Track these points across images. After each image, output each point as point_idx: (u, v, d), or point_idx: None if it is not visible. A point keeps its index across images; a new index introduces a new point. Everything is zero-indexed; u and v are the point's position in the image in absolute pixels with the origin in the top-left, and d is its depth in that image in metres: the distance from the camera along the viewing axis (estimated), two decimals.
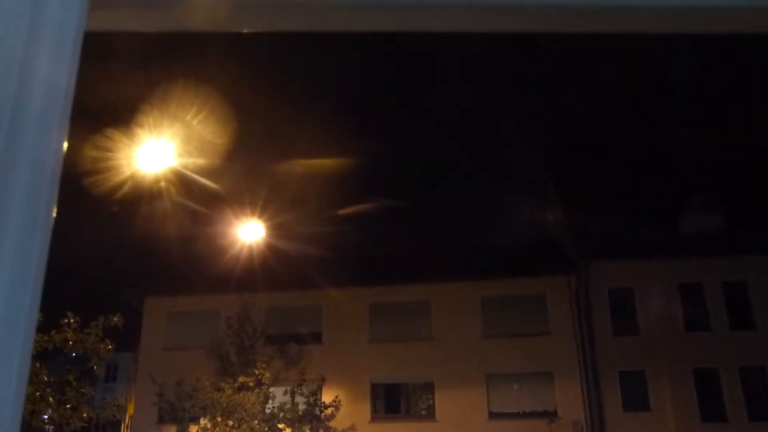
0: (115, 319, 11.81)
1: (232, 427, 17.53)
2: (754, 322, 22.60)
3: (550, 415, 21.68)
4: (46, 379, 11.22)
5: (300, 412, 19.00)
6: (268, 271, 19.62)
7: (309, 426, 19.07)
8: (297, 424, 18.73)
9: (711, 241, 23.13)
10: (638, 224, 23.08)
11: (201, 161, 11.58)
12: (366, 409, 22.58)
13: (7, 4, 0.85)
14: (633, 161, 25.34)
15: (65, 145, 0.92)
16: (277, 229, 16.98)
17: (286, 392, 19.62)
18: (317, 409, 19.58)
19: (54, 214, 0.86)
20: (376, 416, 22.81)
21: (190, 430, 18.08)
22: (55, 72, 0.91)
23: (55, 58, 0.90)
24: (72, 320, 11.36)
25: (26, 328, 0.77)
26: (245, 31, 0.98)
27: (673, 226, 24.39)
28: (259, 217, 15.39)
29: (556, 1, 0.90)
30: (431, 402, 22.85)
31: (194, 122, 10.93)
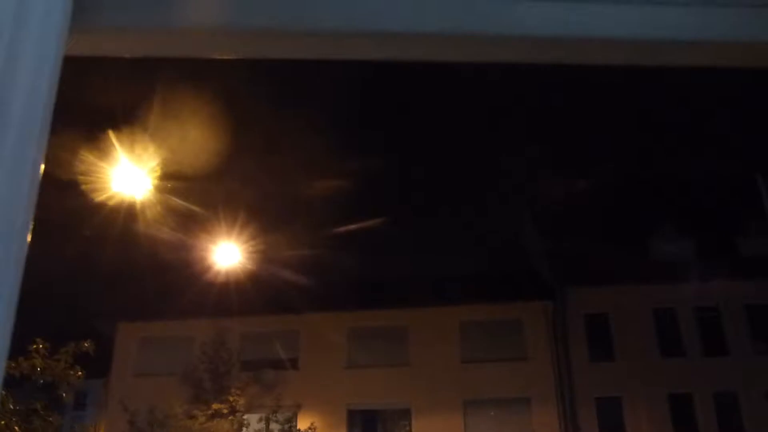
0: (86, 345, 11.54)
1: None
2: (727, 349, 22.91)
3: None
4: (11, 407, 10.86)
5: None
6: (244, 295, 19.38)
7: None
8: None
9: (684, 267, 23.48)
10: (614, 250, 23.38)
11: (176, 184, 11.49)
12: None
13: None
14: (609, 187, 25.75)
15: (41, 171, 0.91)
16: (253, 253, 16.82)
17: (261, 419, 19.26)
18: None
19: (28, 240, 0.85)
20: None
21: None
22: (32, 97, 0.90)
23: (33, 83, 0.90)
24: (41, 346, 11.07)
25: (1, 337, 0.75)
26: (223, 57, 0.99)
27: (648, 251, 24.75)
28: (235, 240, 15.26)
29: (549, 34, 0.93)
30: (408, 428, 22.60)
31: (170, 145, 10.87)
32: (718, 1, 1.00)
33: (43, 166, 0.92)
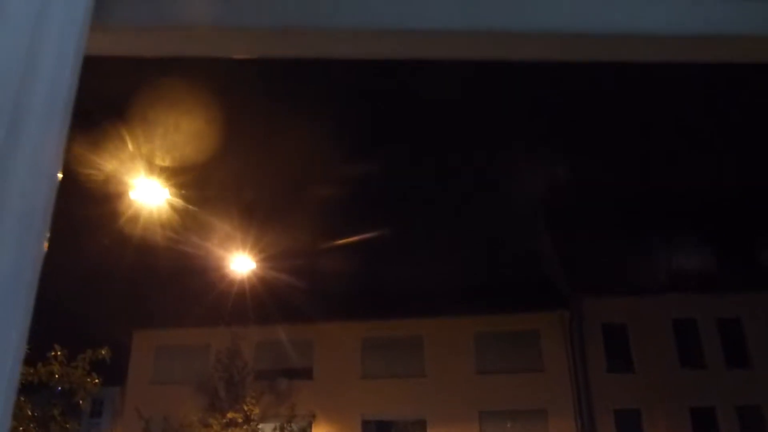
0: (103, 352, 11.61)
1: None
2: (750, 360, 22.46)
3: None
4: (30, 413, 10.95)
5: None
6: (258, 304, 19.42)
7: None
8: None
9: (705, 277, 23.14)
10: (632, 259, 23.10)
11: (193, 193, 11.57)
12: None
13: (7, 25, 0.84)
14: (627, 196, 25.50)
15: (60, 172, 0.89)
16: (267, 262, 16.88)
17: (275, 429, 19.23)
18: None
19: (46, 247, 0.83)
20: None
21: None
22: (52, 96, 0.89)
23: (54, 82, 0.89)
24: (59, 353, 11.16)
25: (17, 340, 0.74)
26: (244, 57, 0.98)
27: (667, 261, 24.44)
28: (250, 249, 15.33)
29: (574, 30, 0.90)
30: None
31: (186, 154, 10.95)
32: None
33: (60, 173, 0.90)
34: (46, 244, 0.84)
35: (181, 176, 10.72)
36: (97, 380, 11.51)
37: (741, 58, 0.97)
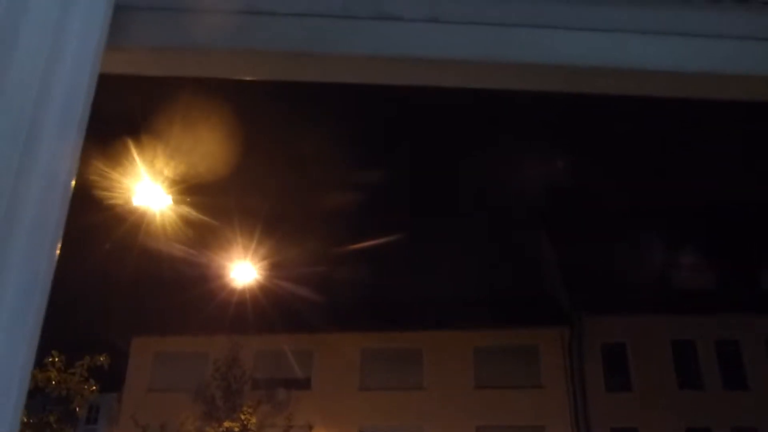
0: (102, 359, 11.59)
1: None
2: (747, 383, 22.36)
3: None
4: (25, 419, 10.91)
5: None
6: (258, 313, 19.40)
7: None
8: None
9: (704, 299, 23.08)
10: (632, 279, 23.08)
11: (194, 201, 11.58)
12: None
13: (26, 44, 0.85)
14: (628, 216, 25.52)
15: (72, 186, 0.91)
16: (268, 272, 16.87)
17: None
18: None
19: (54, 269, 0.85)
20: None
21: None
22: (67, 112, 0.91)
23: (69, 99, 0.91)
24: (57, 359, 11.13)
25: (29, 343, 0.76)
26: (256, 79, 0.99)
27: (667, 282, 24.39)
28: (251, 258, 15.32)
29: (586, 63, 0.91)
30: None
31: (190, 162, 10.97)
32: (757, 35, 0.98)
33: (74, 182, 0.92)
34: (58, 252, 0.86)
35: (183, 184, 10.74)
36: (94, 387, 11.47)
37: (741, 95, 0.98)
